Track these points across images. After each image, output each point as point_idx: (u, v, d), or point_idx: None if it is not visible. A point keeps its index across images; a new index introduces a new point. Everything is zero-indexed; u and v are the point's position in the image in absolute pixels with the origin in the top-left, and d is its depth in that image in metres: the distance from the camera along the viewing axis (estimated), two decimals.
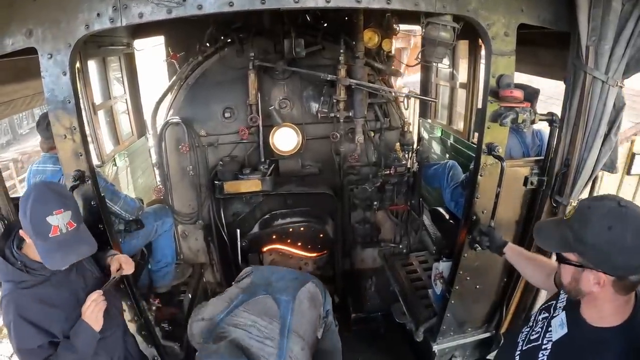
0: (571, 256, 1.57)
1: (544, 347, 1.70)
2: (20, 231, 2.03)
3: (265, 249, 4.28)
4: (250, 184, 4.07)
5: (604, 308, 1.56)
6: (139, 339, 3.28)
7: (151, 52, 5.96)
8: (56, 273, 2.14)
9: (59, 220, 1.97)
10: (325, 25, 4.30)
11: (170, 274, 4.43)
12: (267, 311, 2.57)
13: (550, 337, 1.71)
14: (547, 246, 1.77)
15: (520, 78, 3.58)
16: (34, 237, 1.98)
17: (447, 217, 4.05)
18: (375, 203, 4.47)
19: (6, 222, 2.72)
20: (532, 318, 1.91)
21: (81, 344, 2.11)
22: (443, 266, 3.57)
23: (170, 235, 4.38)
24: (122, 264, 2.46)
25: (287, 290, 2.72)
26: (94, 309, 2.12)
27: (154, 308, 3.75)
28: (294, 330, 2.56)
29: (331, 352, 2.95)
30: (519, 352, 1.83)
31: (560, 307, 1.78)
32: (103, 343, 2.32)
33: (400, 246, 4.72)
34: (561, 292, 1.82)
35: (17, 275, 2.05)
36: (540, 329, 1.79)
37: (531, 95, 3.31)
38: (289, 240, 4.34)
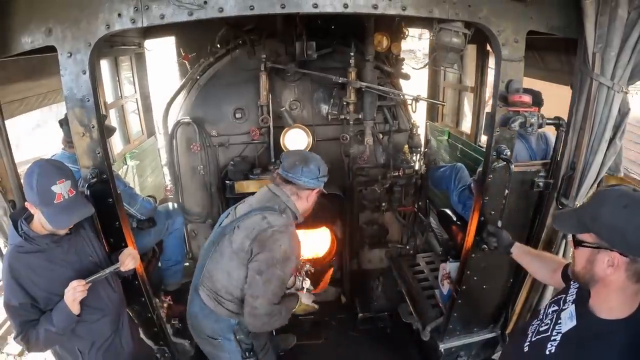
0: (587, 237, 1.60)
1: (552, 338, 1.74)
2: (26, 204, 2.31)
3: None
4: (261, 184, 4.10)
5: (613, 298, 1.59)
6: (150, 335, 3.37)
7: (162, 52, 6.05)
8: (54, 248, 2.41)
9: (62, 189, 2.27)
10: (337, 28, 4.37)
11: (180, 272, 4.50)
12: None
13: (560, 329, 1.75)
14: (564, 228, 1.83)
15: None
16: (40, 206, 2.25)
17: (454, 218, 4.09)
18: (383, 204, 4.53)
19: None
20: (542, 311, 1.95)
21: (57, 319, 2.33)
22: (450, 267, 3.63)
23: (180, 234, 4.45)
24: (125, 256, 2.59)
25: None
26: (70, 295, 2.31)
27: (165, 305, 3.82)
28: None
29: None
30: (528, 343, 1.87)
31: (569, 300, 1.82)
32: (86, 327, 2.56)
33: (408, 247, 4.78)
34: (571, 285, 1.87)
35: (18, 240, 2.34)
36: (549, 321, 1.83)
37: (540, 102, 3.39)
38: None
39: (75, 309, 2.34)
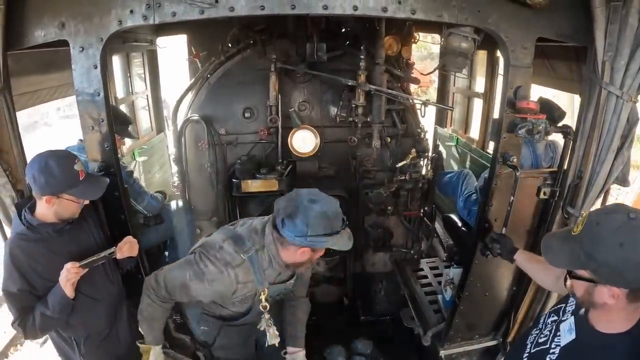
0: (583, 272, 1.54)
1: (551, 351, 1.73)
2: (45, 198, 2.33)
3: None
4: (267, 184, 4.12)
5: (614, 316, 1.57)
6: None
7: (173, 50, 6.10)
8: (55, 238, 2.46)
9: (80, 167, 2.40)
10: (347, 31, 4.38)
11: None
12: None
13: (559, 341, 1.73)
14: (557, 263, 1.67)
15: None
16: (67, 189, 2.34)
17: (459, 224, 4.08)
18: (389, 208, 4.49)
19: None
20: (542, 320, 1.94)
21: (52, 302, 2.38)
22: (454, 272, 3.62)
23: (187, 231, 4.46)
24: (123, 243, 2.62)
25: None
26: (63, 277, 2.35)
27: None
28: None
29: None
30: (526, 355, 1.85)
31: (569, 311, 1.80)
32: (80, 316, 2.57)
33: (412, 252, 4.76)
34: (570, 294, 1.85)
35: (20, 228, 2.42)
36: (548, 332, 1.81)
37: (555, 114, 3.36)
38: None
39: (69, 291, 2.37)
